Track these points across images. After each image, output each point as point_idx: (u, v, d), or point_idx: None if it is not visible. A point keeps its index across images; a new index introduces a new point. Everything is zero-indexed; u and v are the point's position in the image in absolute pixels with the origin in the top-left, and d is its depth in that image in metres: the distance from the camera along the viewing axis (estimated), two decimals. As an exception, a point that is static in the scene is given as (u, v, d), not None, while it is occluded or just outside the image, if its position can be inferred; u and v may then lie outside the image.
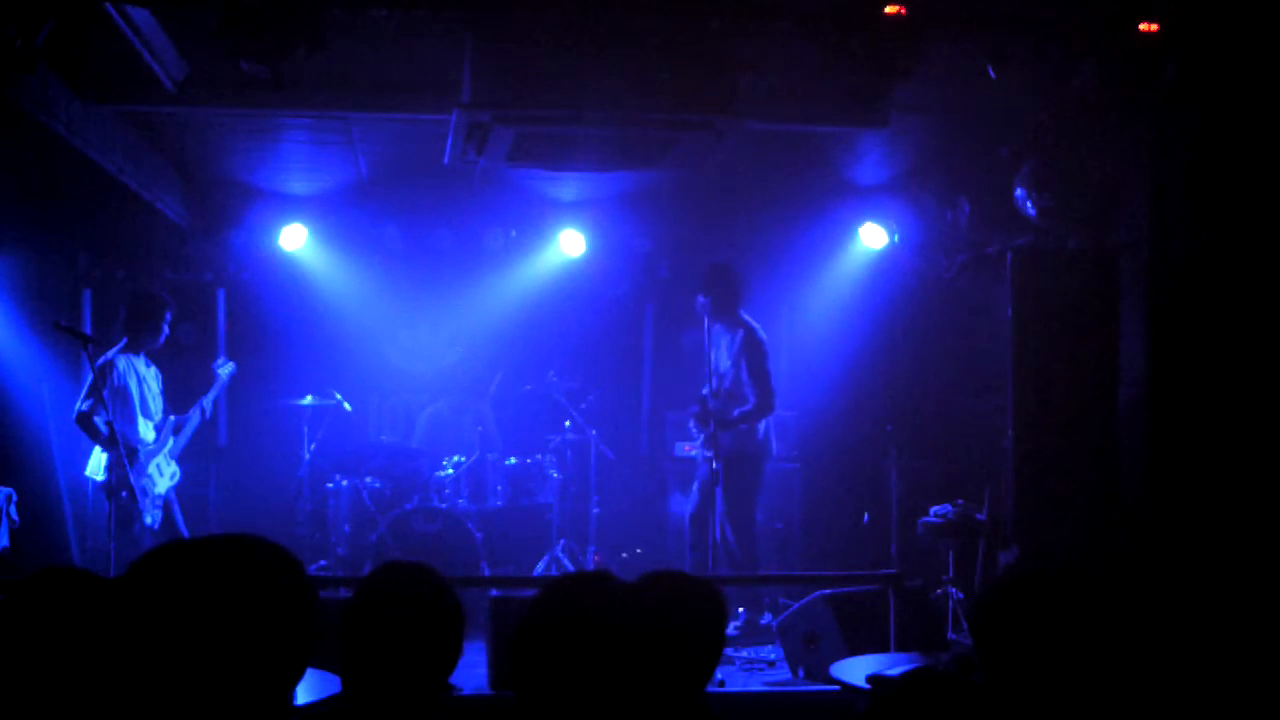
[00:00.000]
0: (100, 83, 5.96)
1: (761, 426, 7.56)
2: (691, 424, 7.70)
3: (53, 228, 7.38)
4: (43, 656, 2.54)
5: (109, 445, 6.89)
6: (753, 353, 7.47)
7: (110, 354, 7.15)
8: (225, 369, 7.78)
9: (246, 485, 8.74)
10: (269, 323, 8.81)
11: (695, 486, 7.67)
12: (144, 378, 7.34)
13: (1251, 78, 5.48)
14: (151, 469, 7.17)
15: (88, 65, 5.64)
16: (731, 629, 7.22)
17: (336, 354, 9.28)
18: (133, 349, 7.30)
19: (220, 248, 8.81)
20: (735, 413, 7.40)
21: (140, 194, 7.20)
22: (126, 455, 6.92)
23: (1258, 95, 5.61)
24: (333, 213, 8.86)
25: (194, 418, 7.56)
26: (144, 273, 8.05)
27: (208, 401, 7.66)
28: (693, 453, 7.90)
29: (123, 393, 7.12)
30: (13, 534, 7.11)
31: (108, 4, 4.90)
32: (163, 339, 7.37)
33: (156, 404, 7.42)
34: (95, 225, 7.45)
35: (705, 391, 7.47)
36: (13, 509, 7.15)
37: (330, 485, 8.61)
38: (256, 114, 6.76)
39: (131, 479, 6.92)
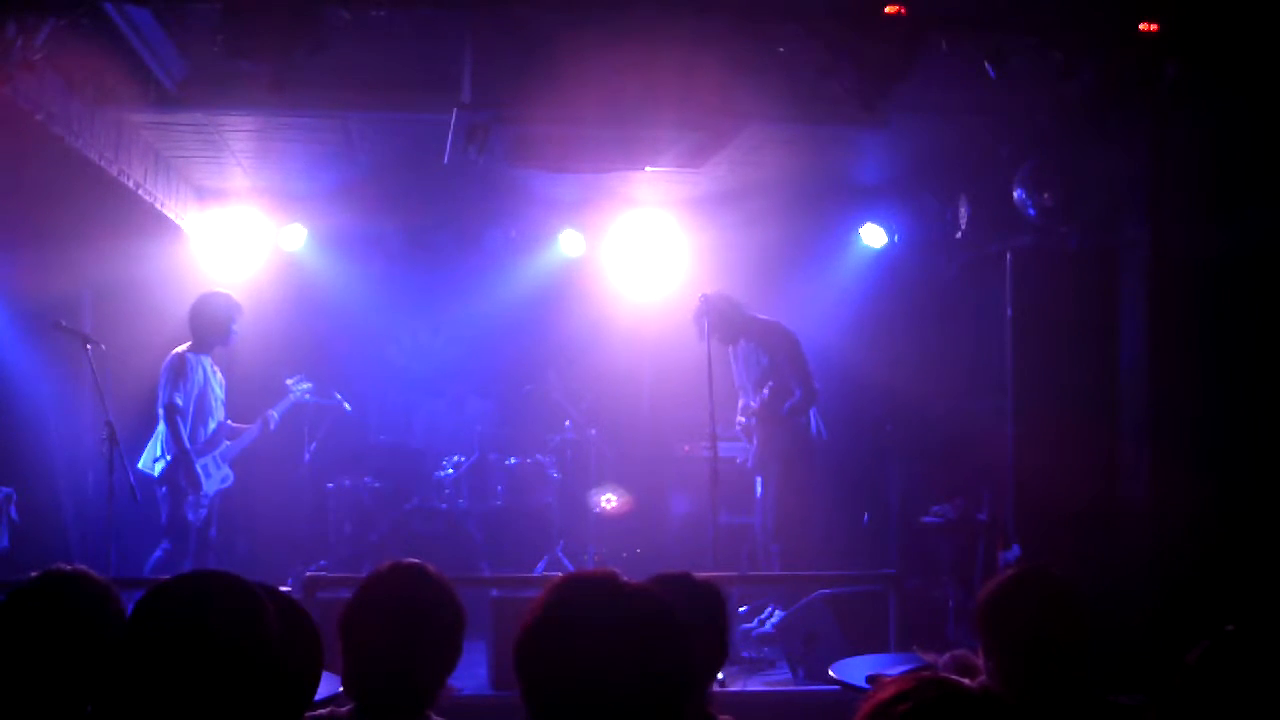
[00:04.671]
0: (100, 83, 5.95)
1: (811, 421, 7.71)
2: (739, 432, 7.85)
3: (53, 228, 7.37)
4: (46, 656, 2.54)
5: (178, 439, 6.98)
6: (788, 348, 7.65)
7: (181, 350, 7.23)
8: (300, 387, 7.86)
9: (246, 485, 8.73)
10: (269, 323, 8.80)
11: (758, 500, 7.78)
12: (209, 379, 7.41)
13: (1251, 77, 5.47)
14: (199, 468, 7.22)
15: (88, 65, 5.62)
16: (769, 626, 7.29)
17: (336, 354, 9.27)
18: (200, 349, 7.37)
19: (220, 248, 8.79)
20: (785, 408, 7.55)
21: (140, 194, 7.20)
22: (182, 455, 7.02)
23: (1258, 94, 5.61)
24: (333, 213, 8.85)
25: (254, 428, 7.63)
26: (144, 273, 8.04)
27: (275, 413, 7.72)
28: (746, 459, 7.99)
29: (189, 392, 7.20)
30: (13, 534, 7.13)
31: (107, 4, 4.89)
32: (231, 340, 7.46)
33: (218, 407, 7.48)
34: (95, 226, 7.43)
35: (747, 402, 7.73)
36: (13, 509, 7.17)
37: (330, 485, 8.61)
38: (256, 114, 6.75)
39: (180, 475, 7.01)
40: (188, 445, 7.16)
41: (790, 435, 7.62)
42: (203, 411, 7.37)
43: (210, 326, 7.40)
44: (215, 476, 7.42)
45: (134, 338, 7.73)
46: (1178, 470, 6.10)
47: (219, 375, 7.55)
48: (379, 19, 4.97)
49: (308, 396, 8.47)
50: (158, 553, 7.11)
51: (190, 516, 7.17)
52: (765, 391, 7.51)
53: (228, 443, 7.53)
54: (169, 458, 7.17)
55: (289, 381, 7.92)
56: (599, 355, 9.43)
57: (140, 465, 7.27)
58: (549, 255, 9.42)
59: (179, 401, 7.15)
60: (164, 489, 7.14)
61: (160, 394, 7.20)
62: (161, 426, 7.25)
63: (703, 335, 7.55)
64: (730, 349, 7.86)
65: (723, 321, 7.60)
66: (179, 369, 7.20)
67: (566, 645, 1.91)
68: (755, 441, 7.72)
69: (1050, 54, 5.18)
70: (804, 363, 7.66)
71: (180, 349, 7.34)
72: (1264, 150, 5.85)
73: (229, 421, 7.60)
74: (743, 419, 7.80)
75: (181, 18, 5.26)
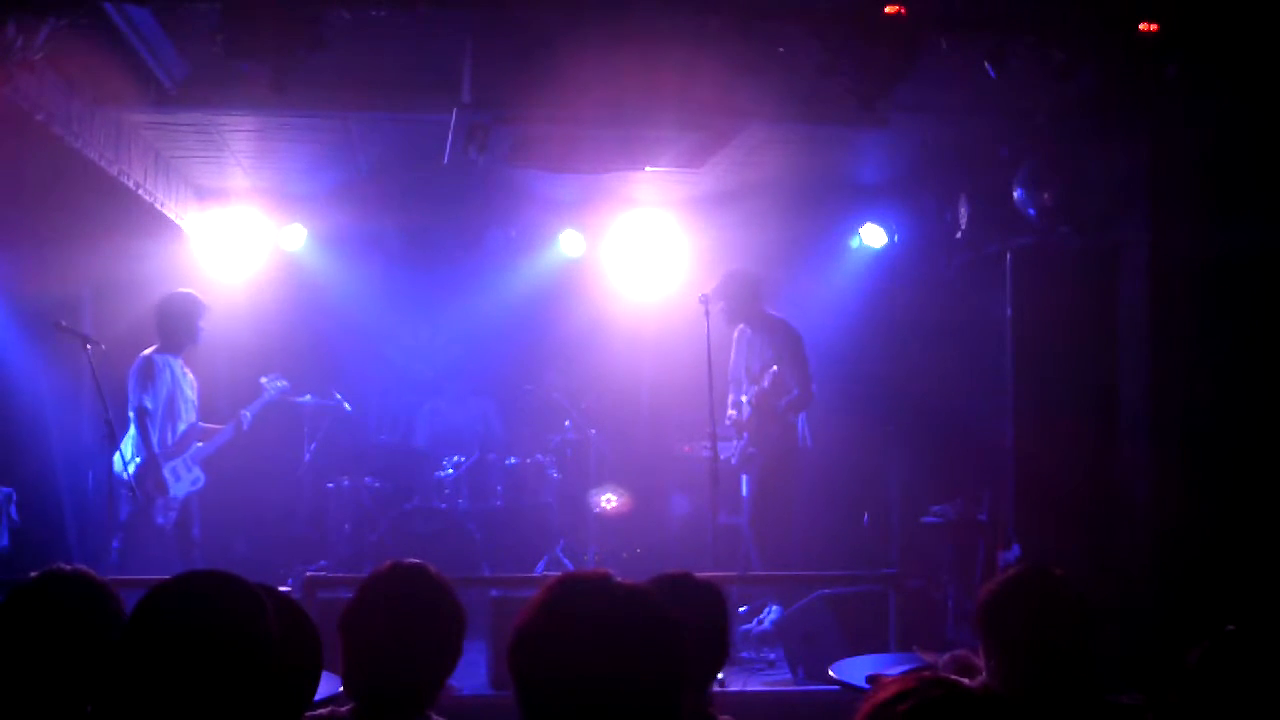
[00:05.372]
0: (100, 83, 5.95)
1: (800, 423, 7.74)
2: (729, 427, 7.88)
3: (53, 228, 7.37)
4: (46, 656, 2.54)
5: (147, 443, 6.95)
6: (792, 346, 7.67)
7: (148, 353, 7.20)
8: (274, 385, 7.83)
9: (246, 485, 8.74)
10: (269, 323, 8.81)
11: (745, 499, 7.79)
12: (179, 380, 7.38)
13: (1251, 77, 5.47)
14: (167, 472, 7.18)
15: (88, 65, 5.63)
16: (768, 624, 7.31)
17: (336, 354, 9.27)
18: (168, 350, 7.34)
19: (220, 248, 8.79)
20: (782, 403, 7.55)
21: (140, 194, 7.20)
22: (150, 460, 6.98)
23: (1258, 94, 5.61)
24: (333, 213, 8.85)
25: (227, 429, 7.59)
26: (144, 273, 8.05)
27: (249, 412, 7.69)
28: (731, 456, 8.01)
29: (157, 394, 7.17)
30: (13, 534, 7.12)
31: (107, 4, 4.89)
32: (199, 339, 7.42)
33: (188, 408, 7.44)
34: (95, 225, 7.43)
35: (738, 398, 7.74)
36: (13, 509, 7.17)
37: (330, 485, 8.60)
38: (256, 114, 6.75)
39: (147, 480, 6.98)
40: (156, 449, 7.10)
41: (779, 434, 7.63)
42: (172, 413, 7.32)
43: (178, 327, 7.35)
44: (185, 479, 7.37)
45: (134, 338, 7.72)
46: (1177, 470, 6.10)
47: (190, 376, 7.51)
48: (379, 19, 4.97)
49: (307, 397, 8.46)
50: (113, 557, 7.00)
51: (160, 520, 7.12)
52: (765, 382, 7.51)
53: (199, 444, 7.49)
54: (139, 460, 7.12)
55: (263, 380, 7.90)
56: (599, 355, 9.43)
57: (114, 468, 7.24)
58: (549, 255, 9.42)
59: (149, 405, 7.10)
60: (134, 489, 7.07)
61: (130, 397, 7.13)
62: (133, 430, 7.20)
63: (723, 312, 7.59)
64: (734, 334, 7.89)
65: (736, 299, 7.66)
66: (147, 371, 7.13)
67: (560, 646, 1.91)
68: (745, 436, 7.72)
69: (1050, 54, 5.18)
70: (805, 364, 7.68)
71: (147, 351, 7.27)
72: (1264, 150, 5.85)
73: (200, 423, 7.56)
74: (733, 413, 7.81)
75: (181, 18, 5.26)
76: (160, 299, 7.48)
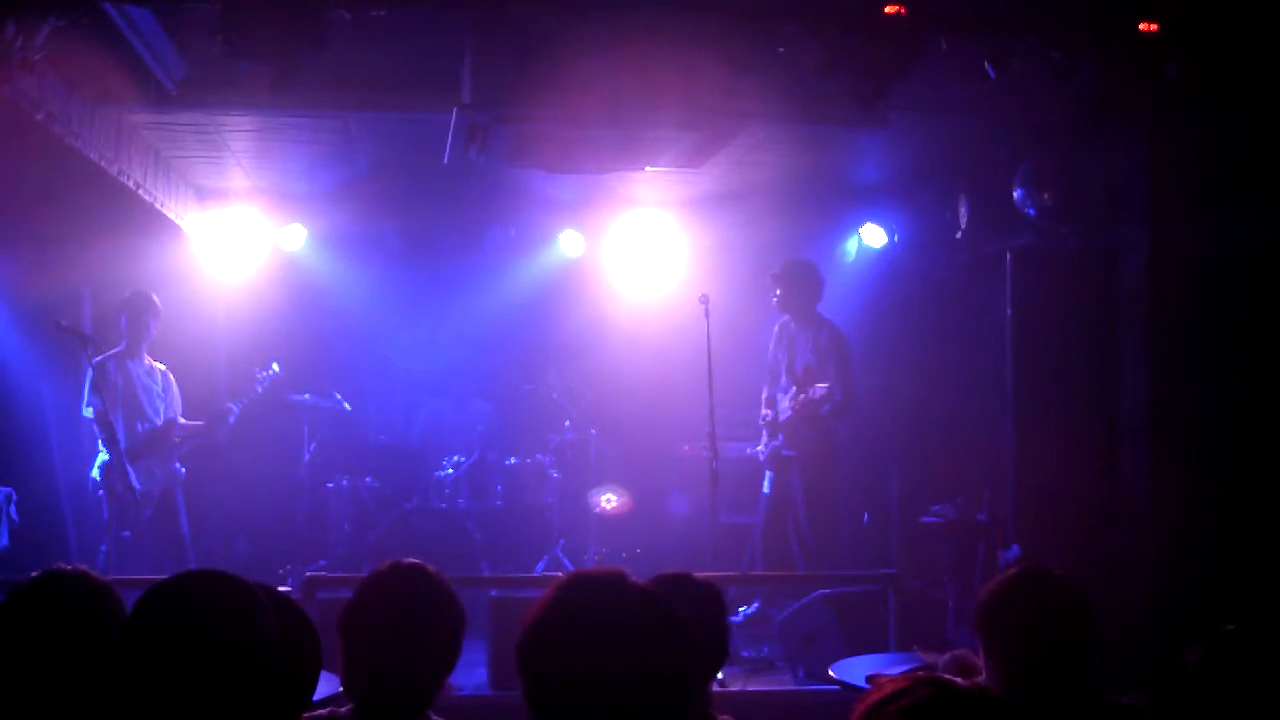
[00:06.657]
0: (100, 83, 5.94)
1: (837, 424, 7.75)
2: (763, 431, 7.85)
3: (53, 228, 7.38)
4: (46, 656, 2.54)
5: (112, 445, 6.96)
6: (842, 350, 7.65)
7: (101, 357, 7.20)
8: (264, 376, 7.85)
9: (246, 484, 8.74)
10: (269, 323, 8.81)
11: (764, 496, 7.76)
12: (138, 379, 7.37)
13: (1252, 77, 5.47)
14: (137, 469, 7.16)
15: (88, 65, 5.62)
16: (741, 617, 7.35)
17: (336, 354, 9.27)
18: (127, 354, 7.35)
19: (220, 248, 8.80)
20: (826, 408, 7.47)
21: (140, 194, 7.20)
22: (115, 459, 6.98)
23: (1258, 95, 5.61)
24: (333, 213, 8.85)
25: (201, 423, 7.59)
26: (144, 273, 8.05)
27: (235, 407, 7.70)
28: (758, 452, 7.98)
29: (111, 395, 7.16)
30: (13, 534, 7.13)
31: (107, 4, 4.89)
32: (150, 338, 7.43)
33: (157, 405, 7.44)
34: (95, 225, 7.44)
35: (773, 394, 7.73)
36: (13, 509, 7.17)
37: (330, 485, 8.61)
38: (256, 114, 6.75)
39: (115, 481, 6.98)
40: (121, 448, 7.09)
41: (815, 437, 7.61)
42: (132, 414, 7.33)
43: (132, 327, 7.39)
44: (160, 474, 7.37)
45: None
46: (1178, 470, 6.10)
47: (160, 375, 7.52)
48: (379, 19, 4.96)
49: (306, 396, 8.44)
50: (100, 561, 7.02)
51: (133, 518, 7.14)
52: (816, 391, 7.43)
53: (176, 439, 7.51)
54: (104, 461, 7.13)
55: (257, 372, 7.93)
56: (599, 355, 9.43)
57: (92, 473, 7.26)
58: (549, 255, 9.43)
59: (100, 408, 7.09)
60: (102, 491, 7.12)
61: (82, 403, 7.19)
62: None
63: (776, 299, 7.65)
64: (778, 326, 7.87)
65: (795, 290, 7.66)
66: (95, 378, 7.10)
67: (571, 644, 1.91)
68: (780, 437, 7.69)
69: (1050, 54, 5.18)
70: (852, 371, 7.65)
71: (100, 356, 7.26)
72: (1264, 150, 5.85)
73: (179, 419, 7.56)
74: (768, 412, 7.79)
75: (181, 18, 5.25)
76: (116, 300, 7.51)
